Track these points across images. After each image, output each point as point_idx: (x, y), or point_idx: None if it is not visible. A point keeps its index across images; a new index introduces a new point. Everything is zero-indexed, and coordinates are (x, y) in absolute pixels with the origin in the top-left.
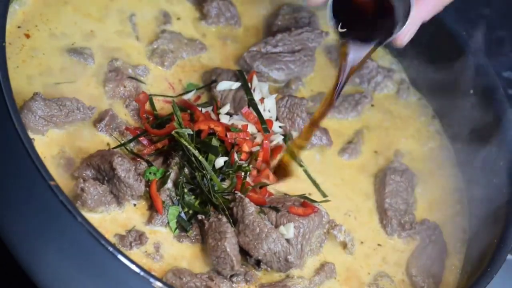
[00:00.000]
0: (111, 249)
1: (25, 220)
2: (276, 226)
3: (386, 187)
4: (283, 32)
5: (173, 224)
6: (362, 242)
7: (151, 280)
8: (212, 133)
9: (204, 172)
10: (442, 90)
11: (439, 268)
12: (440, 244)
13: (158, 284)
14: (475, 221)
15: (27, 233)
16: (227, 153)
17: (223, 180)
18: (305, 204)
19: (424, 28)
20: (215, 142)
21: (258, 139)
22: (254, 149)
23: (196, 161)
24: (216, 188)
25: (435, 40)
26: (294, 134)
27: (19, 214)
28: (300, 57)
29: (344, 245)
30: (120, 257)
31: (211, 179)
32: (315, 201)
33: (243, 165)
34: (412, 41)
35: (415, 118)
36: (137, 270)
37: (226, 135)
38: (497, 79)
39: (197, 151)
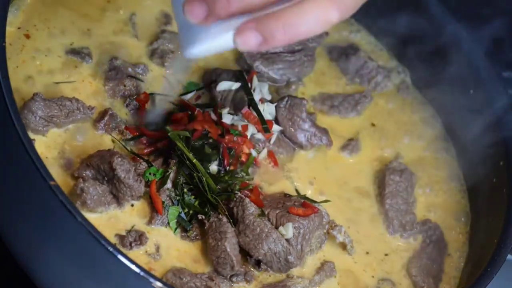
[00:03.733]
0: (111, 249)
1: (25, 220)
2: (276, 227)
3: (386, 187)
4: None
5: (173, 224)
6: (362, 243)
7: (151, 280)
8: (206, 135)
9: (200, 174)
10: (442, 90)
11: (439, 268)
12: (441, 244)
13: (158, 284)
14: (476, 221)
15: (27, 233)
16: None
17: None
18: (305, 204)
19: (425, 29)
20: (207, 149)
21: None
22: (254, 153)
23: (191, 164)
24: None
25: (435, 40)
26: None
27: (19, 214)
28: (300, 57)
29: (343, 246)
30: (120, 257)
31: (206, 181)
32: (315, 202)
33: (239, 174)
34: (413, 41)
35: (415, 118)
36: (137, 270)
37: (223, 137)
38: (497, 79)
39: (191, 154)
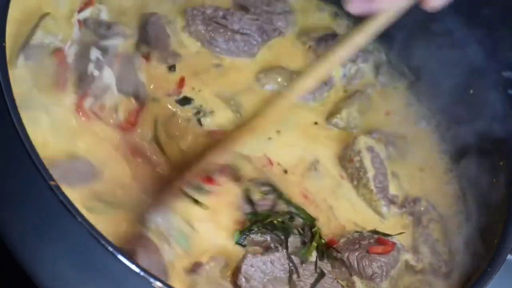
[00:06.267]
0: (111, 249)
1: (25, 220)
2: (358, 269)
3: (367, 171)
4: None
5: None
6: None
7: (151, 280)
8: None
9: None
10: (443, 92)
11: (447, 244)
12: (441, 223)
13: (158, 284)
14: (475, 221)
15: (27, 233)
16: None
17: None
18: (381, 241)
19: (425, 28)
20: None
21: None
22: None
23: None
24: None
25: (435, 40)
26: None
27: (19, 214)
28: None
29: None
30: (120, 257)
31: None
32: (389, 235)
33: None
34: (412, 40)
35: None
36: (137, 270)
37: None
38: (497, 79)
39: None
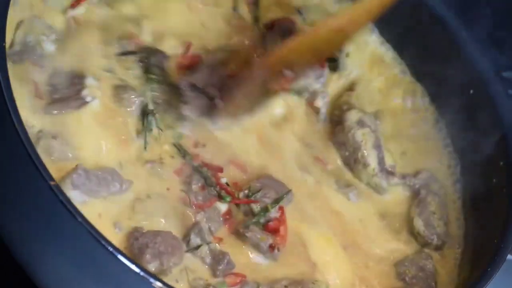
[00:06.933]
0: (111, 249)
1: (25, 220)
2: None
3: (361, 145)
4: None
5: None
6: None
7: (151, 280)
8: None
9: None
10: (442, 90)
11: (445, 220)
12: (441, 196)
13: (158, 284)
14: (475, 221)
15: (27, 233)
16: None
17: None
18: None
19: (424, 27)
20: None
21: None
22: None
23: None
24: None
25: (435, 40)
26: None
27: (19, 214)
28: None
29: None
30: (120, 257)
31: None
32: None
33: None
34: (411, 39)
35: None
36: (137, 270)
37: None
38: (497, 79)
39: None
